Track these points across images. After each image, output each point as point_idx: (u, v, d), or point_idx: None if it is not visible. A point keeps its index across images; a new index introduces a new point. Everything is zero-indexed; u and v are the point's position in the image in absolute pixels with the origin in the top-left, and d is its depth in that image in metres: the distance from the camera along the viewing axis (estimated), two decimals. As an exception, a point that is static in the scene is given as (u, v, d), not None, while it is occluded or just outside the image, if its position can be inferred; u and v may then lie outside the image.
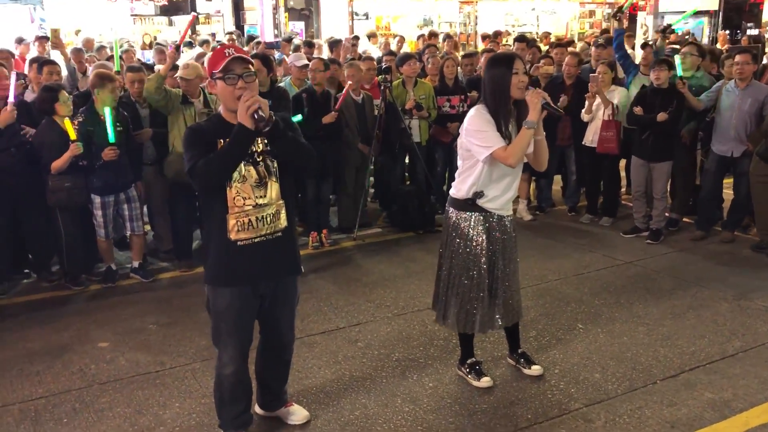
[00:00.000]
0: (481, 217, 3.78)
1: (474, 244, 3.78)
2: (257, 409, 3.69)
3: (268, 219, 3.18)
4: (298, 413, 3.69)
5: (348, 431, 3.60)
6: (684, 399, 3.86)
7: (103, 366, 4.34)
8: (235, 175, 3.07)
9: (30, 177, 5.43)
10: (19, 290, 5.70)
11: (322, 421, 3.69)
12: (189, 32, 7.08)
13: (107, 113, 5.27)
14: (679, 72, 6.48)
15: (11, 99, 5.26)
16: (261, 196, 3.14)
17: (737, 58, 6.30)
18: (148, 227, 6.42)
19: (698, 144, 6.99)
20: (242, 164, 3.08)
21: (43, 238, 5.73)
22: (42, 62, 6.33)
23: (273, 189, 3.18)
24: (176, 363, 4.36)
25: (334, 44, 9.11)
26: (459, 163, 3.84)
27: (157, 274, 5.98)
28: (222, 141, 3.07)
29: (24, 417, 3.77)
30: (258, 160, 3.13)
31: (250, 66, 3.08)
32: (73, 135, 5.20)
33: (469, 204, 3.77)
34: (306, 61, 6.93)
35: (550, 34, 15.64)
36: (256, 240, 3.17)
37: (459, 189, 3.82)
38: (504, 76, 3.61)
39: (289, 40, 11.58)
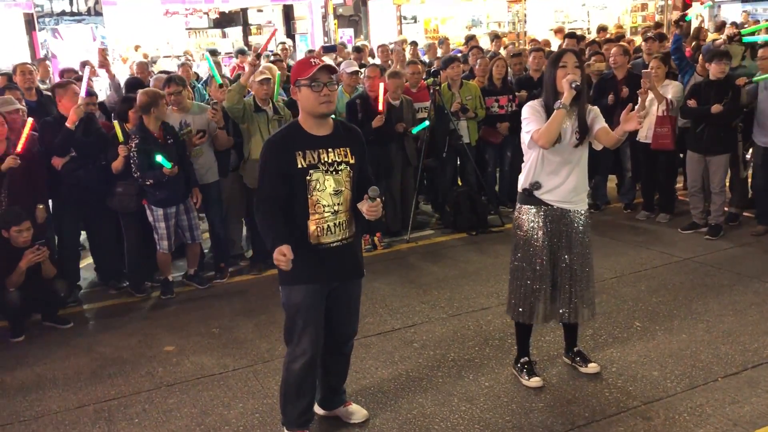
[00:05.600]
0: (541, 211, 3.82)
1: (534, 236, 3.83)
2: (317, 408, 3.79)
3: (344, 225, 3.37)
4: (357, 412, 3.78)
5: (406, 430, 3.67)
6: (747, 396, 3.79)
7: (170, 369, 4.53)
8: (315, 184, 3.25)
9: (100, 192, 5.68)
10: (89, 298, 5.97)
11: (380, 420, 3.77)
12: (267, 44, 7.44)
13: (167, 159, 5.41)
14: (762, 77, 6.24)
15: (82, 93, 5.60)
16: (338, 204, 3.31)
17: (759, 52, 6.25)
18: (206, 235, 6.58)
19: (738, 136, 6.78)
20: (322, 173, 3.25)
21: (110, 249, 6.03)
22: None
23: (347, 197, 3.34)
24: (239, 365, 4.51)
25: (379, 48, 9.22)
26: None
27: (231, 278, 6.18)
28: (299, 153, 3.22)
29: (98, 417, 3.98)
30: (339, 169, 3.30)
31: (333, 77, 3.27)
32: (121, 137, 5.51)
33: (528, 196, 3.84)
34: (356, 68, 7.00)
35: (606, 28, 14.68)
36: (333, 244, 3.35)
37: (520, 181, 3.93)
38: (550, 71, 3.76)
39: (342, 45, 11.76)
